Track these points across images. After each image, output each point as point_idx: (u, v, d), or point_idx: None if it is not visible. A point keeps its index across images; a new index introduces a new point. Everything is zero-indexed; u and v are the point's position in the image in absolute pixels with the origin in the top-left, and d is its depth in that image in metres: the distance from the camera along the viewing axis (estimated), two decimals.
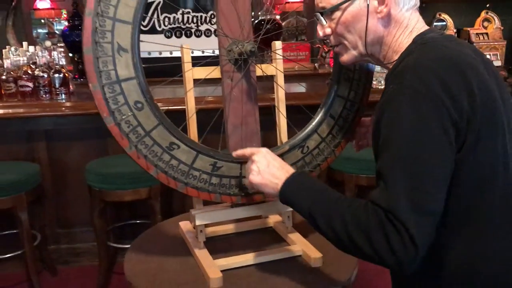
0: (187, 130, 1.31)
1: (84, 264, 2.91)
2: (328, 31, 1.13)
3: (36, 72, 2.73)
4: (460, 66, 0.96)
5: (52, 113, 2.71)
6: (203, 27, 4.09)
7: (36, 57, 2.73)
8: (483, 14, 4.44)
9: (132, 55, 1.15)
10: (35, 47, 2.83)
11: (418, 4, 1.11)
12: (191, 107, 1.32)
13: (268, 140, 1.53)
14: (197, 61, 1.33)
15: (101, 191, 2.50)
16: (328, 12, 1.11)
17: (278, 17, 4.41)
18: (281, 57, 1.37)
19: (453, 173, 0.96)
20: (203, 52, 3.87)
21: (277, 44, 1.38)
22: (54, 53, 2.73)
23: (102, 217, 2.60)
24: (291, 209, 1.37)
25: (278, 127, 1.41)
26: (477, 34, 4.43)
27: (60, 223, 2.93)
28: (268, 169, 1.12)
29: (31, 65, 2.77)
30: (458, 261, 1.01)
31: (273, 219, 1.51)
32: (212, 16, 4.09)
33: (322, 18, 1.12)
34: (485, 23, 4.45)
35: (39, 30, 4.70)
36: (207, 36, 4.11)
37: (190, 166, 1.24)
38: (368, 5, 1.06)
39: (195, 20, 4.06)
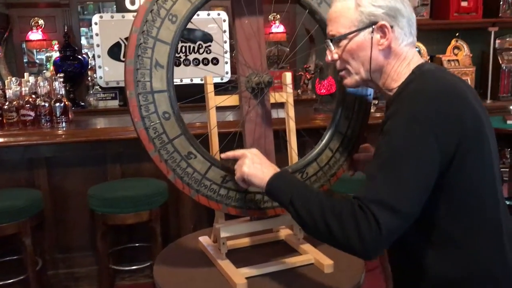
0: (208, 144, 1.45)
1: None
2: (335, 56, 1.29)
3: (38, 102, 2.83)
4: (453, 95, 1.13)
5: (52, 141, 2.81)
6: (191, 57, 4.26)
7: (38, 87, 2.83)
8: (453, 42, 4.76)
9: (167, 71, 1.31)
10: (36, 78, 2.94)
11: (415, 42, 1.29)
12: (213, 122, 1.46)
13: (279, 161, 1.68)
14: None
15: (104, 215, 2.59)
16: (336, 40, 1.26)
17: None
18: (291, 90, 1.54)
19: (445, 192, 1.12)
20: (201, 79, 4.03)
21: (288, 76, 1.55)
22: (56, 83, 2.84)
23: (104, 240, 2.68)
24: None
25: (290, 152, 1.56)
26: (448, 60, 4.73)
27: (60, 248, 2.99)
28: (259, 163, 1.28)
29: (32, 95, 2.87)
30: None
31: (284, 232, 1.64)
32: (200, 46, 4.27)
33: (331, 45, 1.29)
34: (456, 51, 4.77)
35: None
36: (195, 65, 4.27)
37: (203, 175, 1.38)
38: (372, 37, 1.23)
39: (183, 49, 4.23)
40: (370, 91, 1.56)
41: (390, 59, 1.25)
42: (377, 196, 1.06)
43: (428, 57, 4.67)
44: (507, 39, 4.87)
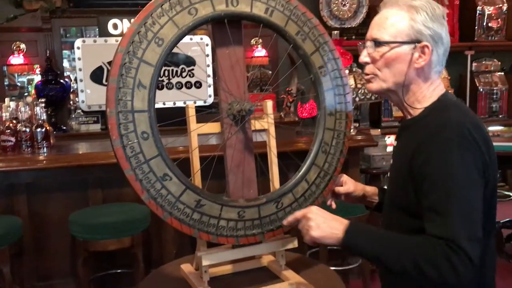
0: (186, 167, 1.46)
1: None
2: (368, 59, 1.34)
3: (19, 127, 2.81)
4: (482, 126, 1.26)
5: (33, 167, 2.78)
6: (174, 80, 4.28)
7: (19, 113, 2.81)
8: None
9: (149, 91, 1.32)
10: (17, 103, 2.92)
11: (442, 72, 1.37)
12: (194, 144, 1.46)
13: (260, 185, 1.69)
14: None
15: (85, 241, 2.56)
16: (378, 44, 1.30)
17: None
18: (272, 120, 1.56)
19: None
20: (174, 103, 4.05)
21: (269, 105, 1.57)
22: (37, 108, 2.83)
23: (85, 267, 2.64)
24: (285, 248, 1.54)
25: (271, 177, 1.57)
26: None
27: (40, 276, 2.93)
28: (325, 222, 1.29)
29: (13, 120, 2.85)
30: None
31: (266, 259, 1.64)
32: (183, 70, 4.29)
33: (371, 48, 1.32)
34: None
35: None
36: (178, 89, 4.29)
37: (177, 198, 1.38)
38: (412, 53, 1.28)
39: (166, 73, 4.24)
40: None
41: (420, 80, 1.31)
42: (462, 233, 1.13)
43: None
44: (483, 62, 5.01)
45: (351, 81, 3.60)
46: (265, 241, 1.50)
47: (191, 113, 1.46)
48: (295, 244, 1.55)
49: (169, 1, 1.35)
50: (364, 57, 1.35)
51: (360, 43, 1.37)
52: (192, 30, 1.38)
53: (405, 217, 1.31)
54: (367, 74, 1.36)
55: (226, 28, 1.43)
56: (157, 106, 1.36)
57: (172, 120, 1.62)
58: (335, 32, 3.54)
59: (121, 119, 1.29)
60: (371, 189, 1.62)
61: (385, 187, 1.57)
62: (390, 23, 1.29)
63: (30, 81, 4.87)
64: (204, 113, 1.52)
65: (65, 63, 4.73)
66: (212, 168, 1.46)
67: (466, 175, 1.17)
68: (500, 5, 4.87)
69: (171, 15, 1.35)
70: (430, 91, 1.32)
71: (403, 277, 1.21)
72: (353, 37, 4.63)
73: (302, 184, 1.55)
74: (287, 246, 1.54)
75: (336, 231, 1.26)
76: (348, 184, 1.60)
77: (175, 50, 1.41)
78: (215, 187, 1.52)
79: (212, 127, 1.50)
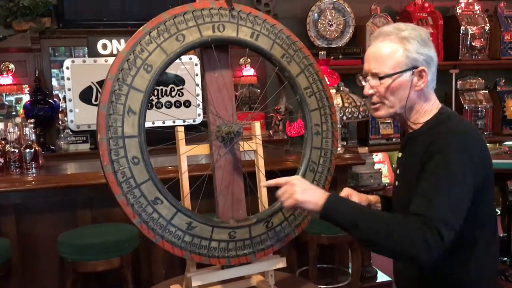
0: (176, 188, 1.47)
1: None
2: (372, 91, 1.46)
3: (7, 148, 2.80)
4: (480, 136, 1.42)
5: (22, 188, 2.77)
6: (163, 99, 4.30)
7: (8, 134, 2.81)
8: None
9: (139, 117, 1.34)
10: (5, 124, 2.92)
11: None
12: (183, 167, 1.48)
13: (249, 204, 1.71)
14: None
15: (73, 262, 2.54)
16: (381, 77, 1.42)
17: None
18: (260, 141, 1.59)
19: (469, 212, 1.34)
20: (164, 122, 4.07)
21: (257, 127, 1.61)
22: (26, 129, 2.83)
23: None
24: (274, 267, 1.55)
25: (260, 196, 1.60)
26: None
27: None
28: (310, 189, 1.38)
29: (1, 141, 2.84)
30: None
31: (256, 279, 1.66)
32: (172, 89, 4.32)
33: (372, 81, 1.44)
34: None
35: None
36: (167, 108, 4.31)
37: (169, 221, 1.40)
38: (412, 79, 1.40)
39: (156, 92, 4.27)
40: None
41: (421, 99, 1.46)
42: (440, 215, 1.26)
43: None
44: (468, 80, 5.10)
45: (338, 100, 3.65)
46: (255, 261, 1.51)
47: (181, 136, 1.48)
48: (284, 263, 1.57)
49: (157, 28, 1.38)
50: (368, 90, 1.47)
51: (360, 76, 1.49)
52: (180, 56, 1.42)
53: None
54: (374, 103, 1.48)
55: (213, 53, 1.46)
56: (146, 125, 1.39)
57: (162, 142, 1.64)
58: (322, 52, 3.60)
59: (112, 145, 1.31)
60: (373, 198, 1.69)
61: (382, 194, 1.71)
62: (387, 56, 1.42)
63: (18, 101, 4.86)
64: (193, 136, 1.54)
65: (54, 82, 4.74)
66: (202, 190, 1.48)
67: (460, 175, 1.30)
68: (483, 25, 4.98)
69: (159, 42, 1.38)
70: (430, 106, 1.46)
71: (379, 249, 1.31)
72: (340, 56, 4.70)
73: None
74: (276, 266, 1.55)
75: (319, 197, 1.35)
76: (353, 197, 1.64)
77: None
78: (205, 206, 1.53)
79: (201, 149, 1.52)
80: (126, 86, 1.33)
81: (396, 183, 1.56)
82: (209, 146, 1.51)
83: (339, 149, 3.15)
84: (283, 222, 1.57)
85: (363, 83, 1.48)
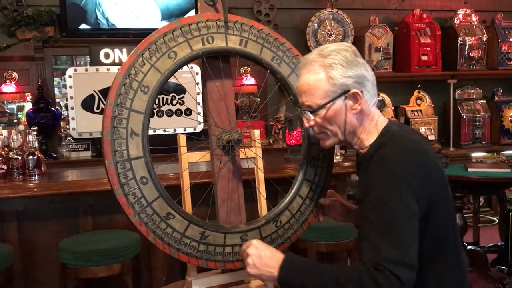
0: (181, 202, 1.52)
1: None
2: (312, 123, 1.41)
3: (11, 155, 2.84)
4: (419, 155, 1.32)
5: (24, 194, 2.80)
6: (164, 108, 4.34)
7: (11, 141, 2.85)
8: (416, 93, 5.00)
9: (142, 138, 1.38)
10: (9, 131, 2.96)
11: (377, 101, 1.43)
12: (186, 183, 1.53)
13: (252, 211, 1.75)
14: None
15: (75, 268, 2.57)
16: (315, 110, 1.38)
17: None
18: (259, 145, 1.63)
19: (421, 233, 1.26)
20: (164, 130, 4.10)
21: (256, 133, 1.65)
22: (29, 136, 2.87)
23: None
24: None
25: (259, 203, 1.64)
26: (412, 110, 4.95)
27: None
28: (261, 260, 1.34)
29: (5, 148, 2.88)
30: None
31: (255, 283, 1.69)
32: (173, 98, 4.37)
33: (309, 114, 1.40)
34: (418, 101, 5.01)
35: None
36: (169, 116, 4.35)
37: (182, 234, 1.44)
38: (346, 104, 1.36)
39: (157, 101, 4.31)
40: None
41: (363, 120, 1.39)
42: (389, 257, 1.19)
43: (393, 108, 4.88)
44: (466, 90, 5.15)
45: None
46: None
47: (183, 145, 1.52)
48: None
49: (149, 49, 1.42)
50: (307, 123, 1.43)
51: (298, 109, 1.45)
52: (174, 72, 1.46)
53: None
54: (318, 134, 1.44)
55: (213, 63, 1.51)
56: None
57: (163, 147, 1.68)
58: None
59: (120, 169, 1.35)
60: (356, 208, 1.67)
61: None
62: (315, 87, 1.36)
63: (20, 108, 4.91)
64: (195, 144, 1.58)
65: (56, 90, 4.79)
66: (202, 197, 1.52)
67: (398, 208, 1.24)
68: (480, 36, 5.04)
69: (152, 62, 1.42)
70: (372, 127, 1.40)
71: None
72: None
73: (296, 200, 1.62)
74: None
75: (271, 269, 1.32)
76: (335, 197, 1.67)
77: None
78: (204, 212, 1.57)
79: (204, 157, 1.56)
80: (126, 110, 1.37)
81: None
82: (210, 153, 1.55)
83: (338, 157, 3.18)
84: (291, 219, 1.61)
85: (302, 116, 1.44)
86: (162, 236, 1.39)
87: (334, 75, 1.34)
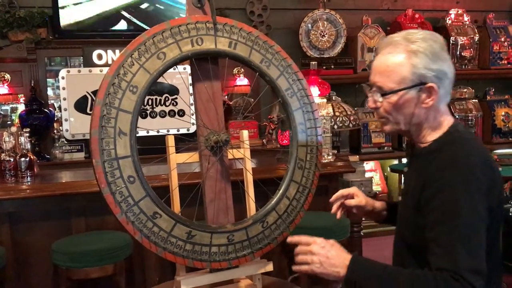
0: (170, 202, 1.53)
1: None
2: (379, 105, 1.35)
3: (3, 157, 2.85)
4: (489, 164, 1.29)
5: (17, 196, 2.80)
6: (158, 109, 4.35)
7: (3, 143, 2.85)
8: None
9: (130, 137, 1.39)
10: (1, 133, 2.96)
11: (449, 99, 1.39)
12: (174, 183, 1.54)
13: (242, 212, 1.76)
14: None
15: (67, 269, 2.58)
16: (387, 94, 1.32)
17: (226, 97, 4.79)
18: (248, 146, 1.65)
19: None
20: (158, 131, 4.11)
21: (245, 134, 1.66)
22: (22, 138, 2.87)
23: None
24: (260, 271, 1.60)
25: (248, 203, 1.65)
26: None
27: None
28: (328, 260, 1.30)
29: None
30: None
31: (244, 283, 1.70)
32: (166, 99, 4.38)
33: (379, 96, 1.34)
34: None
35: None
36: (162, 117, 4.36)
37: (169, 233, 1.45)
38: (419, 96, 1.31)
39: (150, 102, 4.32)
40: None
41: (430, 115, 1.35)
42: (467, 266, 1.16)
43: None
44: (458, 89, 5.18)
45: (329, 110, 3.72)
46: (242, 265, 1.56)
47: (171, 145, 1.53)
48: (270, 267, 1.61)
49: (138, 50, 1.43)
50: (372, 104, 1.37)
51: (364, 85, 1.40)
52: (163, 73, 1.47)
53: (406, 252, 1.37)
54: (380, 118, 1.39)
55: (202, 64, 1.52)
56: (141, 133, 1.43)
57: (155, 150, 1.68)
58: (313, 62, 3.67)
59: (107, 167, 1.36)
60: (379, 205, 1.65)
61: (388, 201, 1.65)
62: (392, 71, 1.30)
63: (13, 110, 4.90)
64: (185, 147, 1.59)
65: (49, 92, 4.79)
66: (189, 198, 1.53)
67: (473, 214, 1.21)
68: (472, 36, 5.07)
69: (141, 63, 1.44)
70: (438, 123, 1.35)
71: None
72: (332, 66, 4.78)
73: (283, 201, 1.64)
74: (261, 270, 1.61)
75: (338, 269, 1.29)
76: (360, 197, 1.61)
77: (159, 79, 1.48)
78: (191, 212, 1.58)
79: (192, 158, 1.58)
80: (115, 109, 1.38)
81: (400, 198, 1.52)
82: (198, 154, 1.56)
83: (330, 157, 3.20)
84: (278, 220, 1.62)
85: (368, 94, 1.38)
86: (148, 235, 1.41)
87: (416, 63, 1.28)
